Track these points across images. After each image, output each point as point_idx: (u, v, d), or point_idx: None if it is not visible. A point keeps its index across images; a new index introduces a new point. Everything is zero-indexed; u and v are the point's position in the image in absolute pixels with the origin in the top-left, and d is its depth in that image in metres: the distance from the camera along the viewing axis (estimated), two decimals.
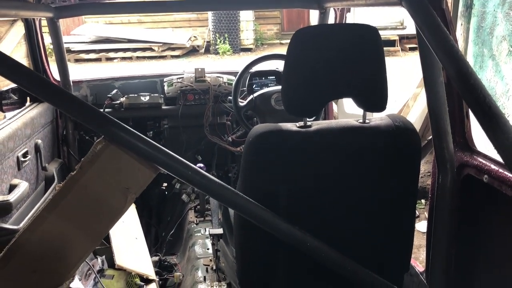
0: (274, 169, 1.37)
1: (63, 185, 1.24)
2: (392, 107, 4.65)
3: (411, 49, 11.68)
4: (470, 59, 3.31)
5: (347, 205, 1.45)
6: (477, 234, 1.51)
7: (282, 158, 1.36)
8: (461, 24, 3.27)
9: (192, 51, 13.05)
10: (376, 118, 1.45)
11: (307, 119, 1.39)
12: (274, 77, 3.01)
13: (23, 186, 1.98)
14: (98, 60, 12.07)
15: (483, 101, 0.99)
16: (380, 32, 1.36)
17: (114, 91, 2.94)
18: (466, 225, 1.52)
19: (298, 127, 1.39)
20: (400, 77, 7.62)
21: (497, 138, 0.97)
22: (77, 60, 11.91)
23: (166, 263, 2.45)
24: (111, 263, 1.92)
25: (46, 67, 2.71)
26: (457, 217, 1.51)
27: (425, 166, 4.31)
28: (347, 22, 2.68)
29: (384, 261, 1.51)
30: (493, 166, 1.35)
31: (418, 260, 3.11)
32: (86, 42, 12.27)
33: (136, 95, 2.93)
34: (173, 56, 12.33)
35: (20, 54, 4.89)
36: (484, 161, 1.40)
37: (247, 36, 13.19)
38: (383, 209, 1.46)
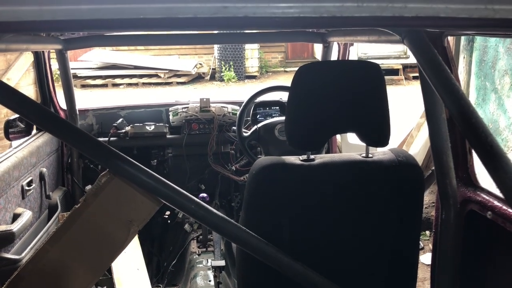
0: (277, 202, 1.37)
1: (67, 217, 1.24)
2: (396, 136, 4.66)
3: (415, 78, 11.75)
4: (472, 91, 3.34)
5: (350, 238, 1.45)
6: (481, 270, 1.49)
7: (285, 191, 1.37)
8: (464, 57, 3.31)
9: (198, 78, 13.20)
10: (379, 153, 1.47)
11: (310, 152, 1.41)
12: (278, 107, 3.05)
13: (26, 215, 1.98)
14: (104, 86, 12.22)
15: (485, 141, 1.00)
16: (383, 61, 1.40)
17: (120, 120, 2.97)
18: (470, 261, 1.51)
19: (301, 160, 1.40)
20: (404, 106, 7.66)
21: (500, 177, 0.97)
22: (83, 86, 12.06)
23: None
24: None
25: (53, 96, 2.76)
26: (460, 252, 1.50)
27: (429, 197, 4.29)
28: (350, 55, 2.72)
29: None
30: (496, 203, 1.34)
31: None
32: (93, 68, 12.45)
33: (141, 124, 2.95)
34: (178, 83, 12.48)
35: (28, 80, 4.98)
36: (487, 197, 1.40)
37: (252, 64, 13.36)
38: (387, 243, 1.46)
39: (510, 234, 1.26)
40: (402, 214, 1.43)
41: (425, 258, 3.49)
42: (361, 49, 11.14)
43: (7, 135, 2.36)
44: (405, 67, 12.05)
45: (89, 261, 1.25)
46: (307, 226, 1.41)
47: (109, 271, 1.99)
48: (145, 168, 1.18)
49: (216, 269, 2.19)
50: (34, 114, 1.15)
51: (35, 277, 1.21)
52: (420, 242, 3.28)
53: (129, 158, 1.17)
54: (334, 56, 2.78)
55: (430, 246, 3.48)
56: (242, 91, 11.21)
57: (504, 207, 1.30)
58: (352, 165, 1.41)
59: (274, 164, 1.37)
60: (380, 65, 1.43)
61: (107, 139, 2.81)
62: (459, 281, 1.53)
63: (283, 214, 1.38)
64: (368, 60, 1.47)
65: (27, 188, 2.18)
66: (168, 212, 3.19)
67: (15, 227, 1.84)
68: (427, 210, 4.15)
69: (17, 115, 2.45)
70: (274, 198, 1.37)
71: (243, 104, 2.75)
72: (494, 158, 0.99)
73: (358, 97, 1.37)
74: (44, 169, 2.42)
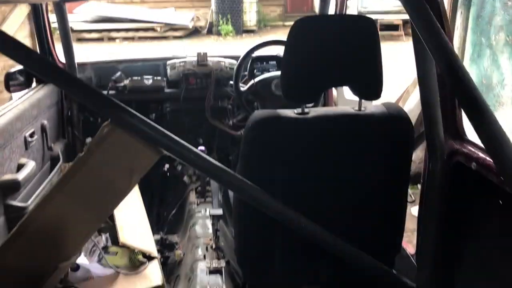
0: (272, 154, 1.43)
1: (71, 166, 1.30)
2: (394, 92, 4.68)
3: None
4: (468, 47, 3.34)
5: (341, 188, 1.52)
6: (465, 219, 1.56)
7: (280, 143, 1.43)
8: (461, 13, 3.29)
9: (195, 32, 12.97)
10: (372, 106, 1.52)
11: (306, 106, 1.45)
12: (275, 62, 3.04)
13: (30, 165, 2.05)
14: (100, 39, 12.03)
15: (470, 93, 1.05)
16: (383, 16, 1.41)
17: (118, 73, 2.97)
18: (455, 210, 1.56)
19: (296, 113, 1.45)
20: (402, 62, 7.60)
21: (481, 128, 1.04)
22: (79, 40, 11.85)
23: (168, 241, 2.54)
24: (115, 241, 1.99)
25: (52, 49, 2.76)
26: (446, 202, 1.57)
27: (423, 152, 4.34)
28: (350, 9, 2.72)
29: (376, 242, 1.58)
30: (481, 154, 1.40)
31: (412, 244, 3.19)
32: (88, 21, 12.21)
33: (139, 78, 2.96)
34: (175, 37, 12.28)
35: (23, 33, 4.92)
36: (473, 149, 1.45)
37: (250, 18, 13.11)
38: (376, 193, 1.54)
39: (491, 184, 1.33)
40: (392, 165, 1.50)
41: (415, 210, 3.59)
42: (362, 3, 10.94)
43: (7, 87, 2.40)
44: (405, 22, 11.83)
45: (92, 207, 1.31)
46: (300, 176, 1.48)
47: (112, 219, 2.08)
48: (146, 119, 1.22)
49: (214, 218, 2.28)
50: (38, 65, 1.18)
51: (42, 221, 1.28)
52: (411, 195, 3.38)
53: (130, 109, 1.21)
54: (332, 10, 2.78)
55: None
56: (240, 46, 11.08)
57: (488, 159, 1.36)
58: (345, 118, 1.47)
59: (269, 117, 1.42)
60: (380, 20, 1.47)
61: (106, 92, 2.83)
62: (444, 229, 1.61)
63: (277, 164, 1.44)
64: (364, 15, 1.50)
65: (29, 139, 2.23)
66: (167, 165, 3.26)
67: (20, 176, 1.90)
68: (420, 165, 4.22)
69: (16, 68, 2.47)
70: (269, 149, 1.43)
71: (240, 59, 2.75)
72: (478, 110, 1.04)
73: (352, 52, 1.41)
74: (45, 121, 2.46)
